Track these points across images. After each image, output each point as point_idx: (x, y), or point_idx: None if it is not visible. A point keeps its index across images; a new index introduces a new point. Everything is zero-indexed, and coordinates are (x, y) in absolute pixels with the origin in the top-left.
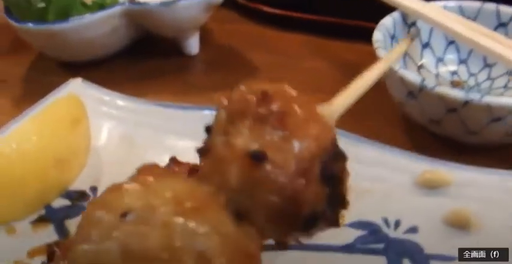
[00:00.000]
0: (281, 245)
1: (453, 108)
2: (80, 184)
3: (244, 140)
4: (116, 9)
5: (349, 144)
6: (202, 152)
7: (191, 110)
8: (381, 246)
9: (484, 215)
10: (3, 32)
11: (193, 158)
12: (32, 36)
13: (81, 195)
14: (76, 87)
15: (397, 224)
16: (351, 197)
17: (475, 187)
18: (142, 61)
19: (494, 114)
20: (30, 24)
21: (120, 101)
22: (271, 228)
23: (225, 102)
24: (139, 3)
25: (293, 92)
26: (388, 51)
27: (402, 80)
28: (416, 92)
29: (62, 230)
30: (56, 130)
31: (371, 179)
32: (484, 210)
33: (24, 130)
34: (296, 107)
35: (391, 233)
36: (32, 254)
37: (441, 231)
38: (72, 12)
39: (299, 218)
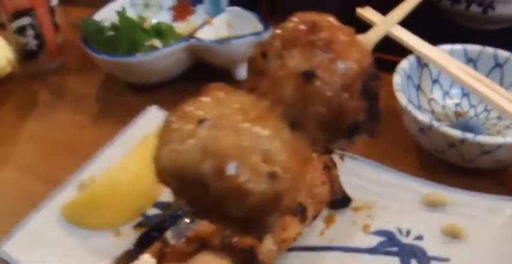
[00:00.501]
0: (327, 151)
1: (453, 143)
2: (166, 197)
3: (297, 61)
4: (179, 45)
5: (370, 170)
6: (258, 72)
7: None
8: (395, 249)
9: (472, 229)
10: (73, 50)
11: None
12: (104, 64)
13: (168, 206)
14: (153, 113)
15: (408, 232)
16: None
17: (467, 206)
18: (198, 84)
19: (484, 148)
20: (104, 56)
21: None
22: (320, 136)
23: (279, 30)
24: (199, 39)
25: (337, 23)
26: None
27: (415, 119)
28: (425, 129)
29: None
30: (149, 158)
31: (388, 197)
32: (472, 224)
33: (129, 160)
34: (340, 35)
35: (403, 240)
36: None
37: (440, 239)
38: (135, 39)
39: (343, 127)
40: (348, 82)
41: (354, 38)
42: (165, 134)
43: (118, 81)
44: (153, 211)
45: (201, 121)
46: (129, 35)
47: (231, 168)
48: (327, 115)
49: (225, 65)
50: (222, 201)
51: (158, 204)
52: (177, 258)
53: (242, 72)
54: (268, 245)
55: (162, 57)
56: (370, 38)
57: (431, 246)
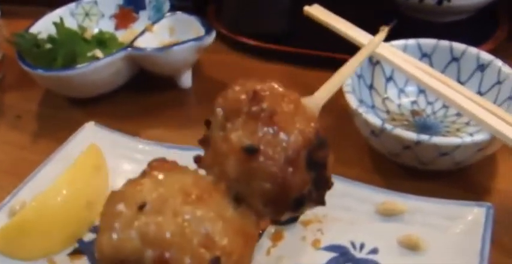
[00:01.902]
0: (276, 222)
1: (408, 145)
2: None
3: (239, 135)
4: (118, 55)
5: None
6: (203, 143)
7: (189, 151)
8: None
9: (430, 238)
10: (12, 66)
11: None
12: (42, 79)
13: None
14: (90, 130)
15: (362, 246)
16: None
17: (423, 214)
18: (141, 95)
19: (441, 150)
20: (40, 70)
21: (130, 143)
22: (266, 210)
23: (221, 100)
24: (138, 48)
25: (281, 89)
26: (367, 42)
27: (366, 122)
28: (378, 132)
29: (94, 260)
30: (84, 179)
31: (340, 209)
32: (430, 233)
33: (61, 183)
34: (283, 104)
35: (357, 254)
36: None
37: (396, 252)
38: (76, 50)
39: (289, 200)
40: (292, 155)
41: (299, 105)
42: (106, 219)
43: (59, 96)
44: (89, 236)
45: (141, 206)
46: (69, 47)
47: (171, 258)
48: (272, 190)
49: (168, 73)
50: None
51: (95, 229)
52: None
53: (187, 80)
54: None
55: (101, 69)
56: (317, 101)
57: (387, 260)
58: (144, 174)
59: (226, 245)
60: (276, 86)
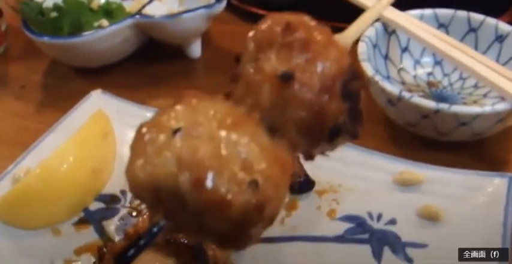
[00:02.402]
0: (309, 157)
1: (426, 115)
2: (111, 188)
3: (273, 64)
4: (126, 23)
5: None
6: (233, 78)
7: None
8: (366, 236)
9: (450, 209)
10: (17, 37)
11: None
12: (47, 48)
13: (113, 198)
14: (97, 97)
15: (379, 217)
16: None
17: (442, 184)
18: (150, 65)
19: (461, 120)
20: (45, 38)
21: (137, 111)
22: (301, 140)
23: (253, 33)
24: (146, 15)
25: (312, 22)
26: None
27: (383, 90)
28: (395, 101)
29: (100, 230)
30: (90, 145)
31: (356, 178)
32: (450, 204)
33: (66, 148)
34: (317, 35)
35: (375, 225)
36: (78, 252)
37: (415, 223)
38: (81, 20)
39: (324, 130)
40: (328, 83)
41: (331, 37)
42: (138, 146)
43: (64, 66)
44: (95, 205)
45: (175, 131)
46: (75, 16)
47: (209, 180)
48: (307, 118)
49: (177, 42)
50: (201, 215)
51: (101, 197)
52: None
53: (196, 50)
54: None
55: (107, 37)
56: (348, 37)
57: (406, 231)
58: (177, 101)
59: (265, 169)
60: (308, 18)
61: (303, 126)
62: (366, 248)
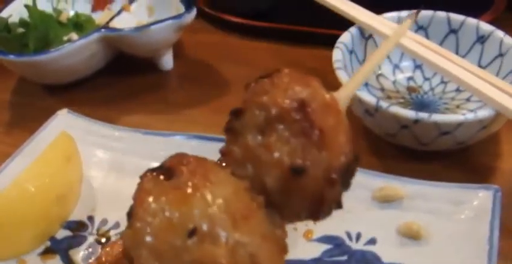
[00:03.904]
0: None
1: (405, 125)
2: (78, 215)
3: (285, 150)
4: (92, 37)
5: None
6: (229, 132)
7: (168, 137)
8: (344, 258)
9: (432, 225)
10: None
11: None
12: (13, 66)
13: (80, 225)
14: (63, 118)
15: (358, 236)
16: None
17: (424, 199)
18: (121, 79)
19: (442, 129)
20: (11, 56)
21: (104, 130)
22: (294, 218)
23: (260, 97)
24: (113, 29)
25: (326, 95)
26: (391, 34)
27: (359, 100)
28: (372, 111)
29: (67, 260)
30: (54, 170)
31: None
32: (433, 220)
33: (28, 174)
34: (329, 119)
35: (353, 245)
36: None
37: (396, 242)
38: (50, 34)
39: (319, 212)
40: (333, 175)
41: (342, 121)
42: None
43: (33, 84)
44: (62, 233)
45: (191, 233)
46: (42, 31)
47: None
48: (307, 205)
49: (147, 55)
50: None
51: (68, 225)
52: None
53: (168, 62)
54: None
55: (74, 52)
56: (343, 99)
57: (387, 251)
58: (176, 172)
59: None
60: (319, 89)
61: (301, 210)
62: None
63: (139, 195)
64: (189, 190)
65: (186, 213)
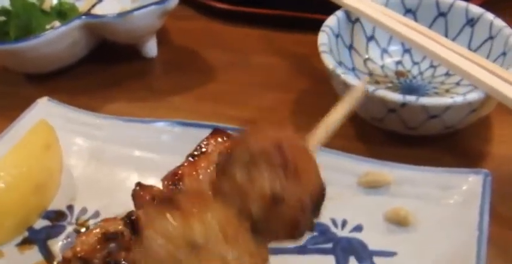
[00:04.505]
0: None
1: (392, 108)
2: (57, 204)
3: (266, 182)
4: (73, 24)
5: None
6: (220, 172)
7: (150, 123)
8: (329, 245)
9: (420, 211)
10: None
11: (158, 171)
12: None
13: (59, 215)
14: (43, 106)
15: (344, 223)
16: None
17: (412, 185)
18: (104, 67)
19: (430, 112)
20: None
21: (85, 118)
22: (277, 239)
23: (243, 145)
24: (96, 15)
25: (299, 142)
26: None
27: (345, 84)
28: None
29: (45, 250)
30: (32, 158)
31: None
32: (421, 206)
33: (5, 163)
34: (303, 157)
35: (339, 233)
36: None
37: (383, 228)
38: (32, 23)
39: (296, 234)
40: (307, 204)
41: (312, 159)
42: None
43: (15, 73)
44: (40, 223)
45: (194, 246)
46: (24, 19)
47: None
48: (285, 228)
49: (131, 42)
50: None
51: (46, 214)
52: None
53: (152, 49)
54: None
55: (55, 40)
56: (314, 140)
57: (373, 238)
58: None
59: None
60: (293, 135)
61: (281, 232)
62: (330, 259)
63: (146, 218)
64: (189, 214)
65: (187, 232)
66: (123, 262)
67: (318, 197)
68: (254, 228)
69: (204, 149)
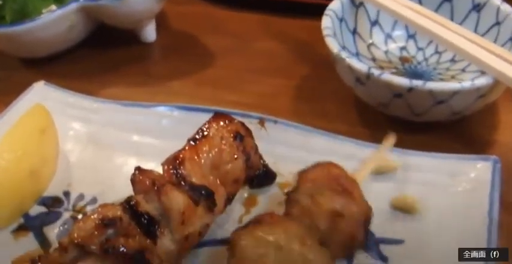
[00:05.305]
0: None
1: (399, 93)
2: (53, 190)
3: (328, 202)
4: (70, 8)
5: (302, 135)
6: (289, 201)
7: (150, 108)
8: None
9: (428, 199)
10: None
11: (157, 156)
12: None
13: (55, 201)
14: (40, 90)
15: None
16: None
17: (419, 171)
18: (102, 52)
19: (437, 98)
20: None
21: (83, 102)
22: (339, 251)
23: (307, 175)
24: None
25: (347, 175)
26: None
27: (350, 68)
28: (364, 79)
29: (41, 237)
30: (27, 143)
31: None
32: (428, 193)
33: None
34: (354, 188)
35: None
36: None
37: (389, 216)
38: (29, 6)
39: (353, 246)
40: (360, 220)
41: (359, 188)
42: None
43: (11, 57)
44: (36, 210)
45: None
46: (20, 3)
47: None
48: (345, 240)
49: (129, 26)
50: None
51: (42, 200)
52: None
53: (151, 34)
54: (165, 245)
55: (52, 24)
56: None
57: (380, 226)
58: (262, 222)
59: None
60: (343, 170)
61: (342, 244)
62: None
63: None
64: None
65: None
66: (122, 248)
67: (367, 217)
68: (321, 241)
69: (205, 133)
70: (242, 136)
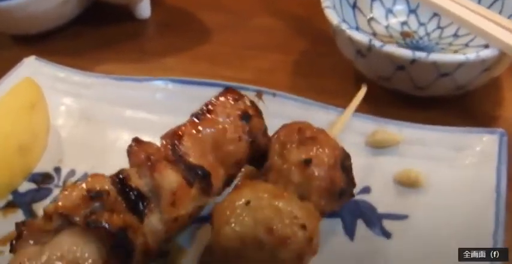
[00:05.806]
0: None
1: (401, 65)
2: (44, 166)
3: (295, 154)
4: None
5: (302, 108)
6: (267, 169)
7: (144, 82)
8: None
9: (432, 173)
10: None
11: (152, 131)
12: None
13: (45, 177)
14: (30, 65)
15: None
16: None
17: (423, 145)
18: (95, 29)
19: (441, 70)
20: None
21: (75, 77)
22: (322, 203)
23: (276, 136)
24: None
25: (313, 126)
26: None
27: (350, 40)
28: (364, 51)
29: (30, 214)
30: (16, 117)
31: None
32: (433, 167)
33: None
34: (318, 133)
35: None
36: (3, 241)
37: (392, 190)
38: None
39: (336, 193)
40: (332, 162)
41: (326, 134)
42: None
43: (2, 34)
44: (25, 186)
45: (247, 202)
46: None
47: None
48: (325, 187)
49: (123, 2)
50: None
51: (32, 177)
52: (35, 238)
53: (145, 10)
54: (152, 224)
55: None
56: (334, 132)
57: (382, 201)
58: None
59: (306, 218)
60: (309, 124)
61: (322, 192)
62: (336, 222)
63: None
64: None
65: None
66: (105, 224)
67: (340, 158)
68: (300, 195)
69: (211, 109)
70: (250, 116)
